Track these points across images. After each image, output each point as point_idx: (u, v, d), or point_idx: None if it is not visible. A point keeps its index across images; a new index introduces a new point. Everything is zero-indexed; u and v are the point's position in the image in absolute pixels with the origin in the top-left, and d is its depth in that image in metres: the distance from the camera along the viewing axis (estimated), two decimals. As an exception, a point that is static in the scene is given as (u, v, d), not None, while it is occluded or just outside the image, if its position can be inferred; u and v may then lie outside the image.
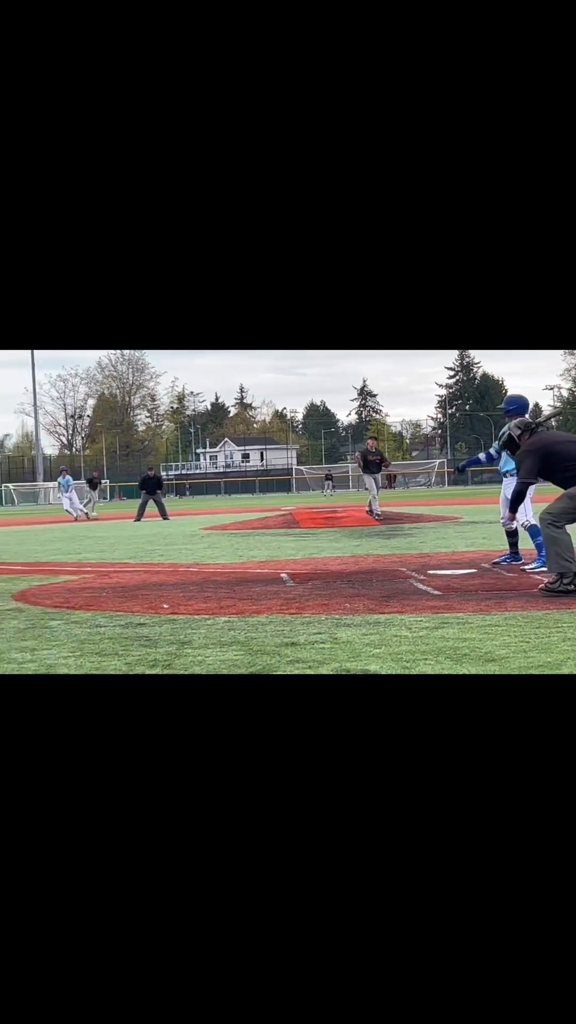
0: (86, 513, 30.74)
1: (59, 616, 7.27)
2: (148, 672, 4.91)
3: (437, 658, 5.02)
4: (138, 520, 25.45)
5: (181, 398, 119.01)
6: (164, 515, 26.41)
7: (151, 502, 26.48)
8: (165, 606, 7.68)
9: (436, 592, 8.03)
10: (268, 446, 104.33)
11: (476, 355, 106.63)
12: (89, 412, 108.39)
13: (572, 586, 7.26)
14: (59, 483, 32.90)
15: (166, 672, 4.88)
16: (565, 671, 4.61)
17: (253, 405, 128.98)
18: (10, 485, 71.36)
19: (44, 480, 70.89)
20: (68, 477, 31.80)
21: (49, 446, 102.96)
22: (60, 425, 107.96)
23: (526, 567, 9.14)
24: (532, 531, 8.98)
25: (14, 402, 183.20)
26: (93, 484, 33.90)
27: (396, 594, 7.97)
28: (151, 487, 26.77)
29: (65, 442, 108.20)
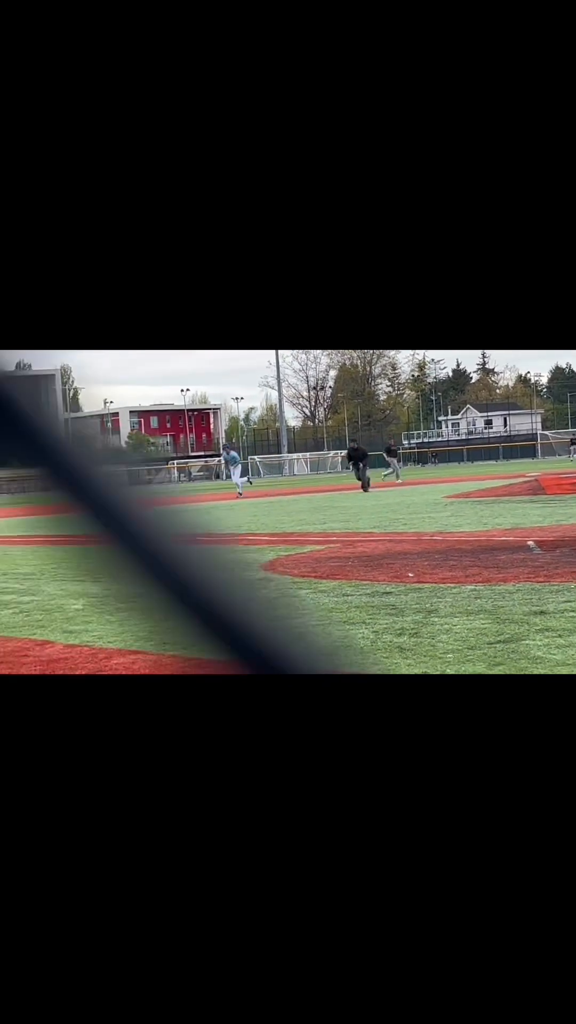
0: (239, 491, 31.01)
1: (307, 585, 7.43)
2: (395, 640, 4.95)
3: None
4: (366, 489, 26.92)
5: (422, 366, 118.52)
6: (365, 487, 27.75)
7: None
8: (410, 575, 7.69)
9: None
10: (511, 411, 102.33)
11: None
12: (331, 383, 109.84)
13: None
14: (224, 458, 33.43)
15: (412, 640, 4.91)
16: None
17: (496, 371, 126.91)
18: (256, 457, 73.38)
19: (288, 452, 72.38)
20: (234, 452, 32.36)
21: (293, 418, 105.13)
22: (303, 397, 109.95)
23: None
24: None
25: (258, 375, 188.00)
26: (391, 452, 35.05)
27: None
28: (359, 457, 29.11)
29: (308, 414, 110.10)
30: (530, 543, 9.59)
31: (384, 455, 35.79)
